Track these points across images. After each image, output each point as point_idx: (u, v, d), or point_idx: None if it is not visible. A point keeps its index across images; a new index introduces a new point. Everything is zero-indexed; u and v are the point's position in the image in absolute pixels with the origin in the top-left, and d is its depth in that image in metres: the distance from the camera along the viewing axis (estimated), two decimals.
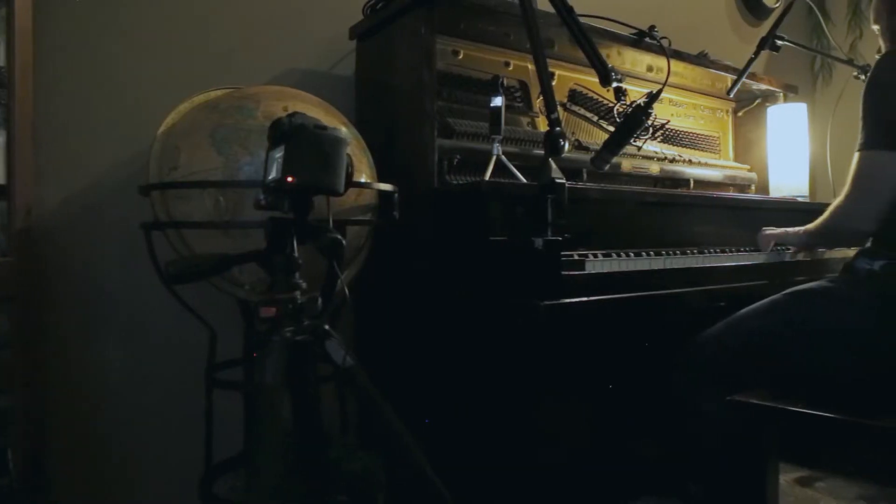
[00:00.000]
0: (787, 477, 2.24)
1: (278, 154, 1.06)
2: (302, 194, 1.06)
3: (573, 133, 2.10)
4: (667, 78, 1.67)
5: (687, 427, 1.59)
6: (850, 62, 2.33)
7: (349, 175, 1.10)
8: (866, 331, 1.40)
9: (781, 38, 2.18)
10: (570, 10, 1.60)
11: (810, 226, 1.63)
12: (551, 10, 1.57)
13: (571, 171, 1.96)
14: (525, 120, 1.97)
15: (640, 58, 2.18)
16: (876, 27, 1.63)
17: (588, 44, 1.61)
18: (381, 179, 1.52)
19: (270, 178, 1.07)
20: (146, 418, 1.64)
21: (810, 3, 2.47)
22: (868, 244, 1.53)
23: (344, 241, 1.01)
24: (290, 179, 1.03)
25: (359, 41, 1.88)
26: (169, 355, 1.65)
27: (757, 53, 2.15)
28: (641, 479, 1.95)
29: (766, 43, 2.15)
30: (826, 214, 1.54)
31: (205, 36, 1.75)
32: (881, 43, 1.63)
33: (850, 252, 1.63)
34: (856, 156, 1.44)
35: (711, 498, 1.61)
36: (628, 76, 2.22)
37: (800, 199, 2.37)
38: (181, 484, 1.54)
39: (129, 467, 1.63)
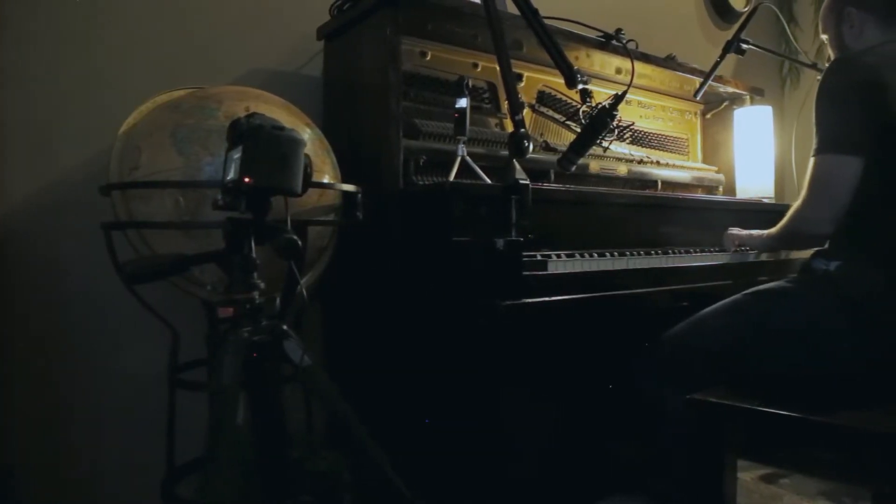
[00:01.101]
0: (751, 474, 2.27)
1: (236, 155, 1.06)
2: (259, 195, 1.06)
3: (542, 134, 2.12)
4: (631, 80, 1.69)
5: (651, 425, 1.61)
6: (814, 66, 2.37)
7: (308, 176, 1.10)
8: (822, 330, 1.42)
9: (746, 42, 2.21)
10: (535, 12, 1.61)
11: (772, 230, 1.66)
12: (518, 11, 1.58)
13: (539, 172, 1.98)
14: (493, 121, 1.98)
15: (608, 60, 2.20)
16: (824, 36, 1.67)
17: (553, 46, 1.62)
18: (348, 180, 1.53)
19: (229, 178, 1.07)
20: (110, 419, 1.63)
21: (774, 8, 2.50)
22: (826, 245, 1.56)
23: (300, 242, 1.01)
24: (247, 180, 1.03)
25: (326, 41, 1.88)
26: (133, 356, 1.64)
27: (722, 57, 2.18)
28: (608, 477, 1.96)
29: (732, 46, 2.18)
30: (785, 219, 1.57)
31: (171, 35, 1.74)
32: (830, 52, 1.67)
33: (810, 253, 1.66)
34: (811, 161, 1.46)
35: (675, 495, 1.63)
36: (597, 78, 2.24)
37: (765, 201, 2.40)
38: (146, 485, 1.53)
39: (92, 468, 1.62)
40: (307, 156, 1.11)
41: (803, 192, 1.48)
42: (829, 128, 1.44)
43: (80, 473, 1.61)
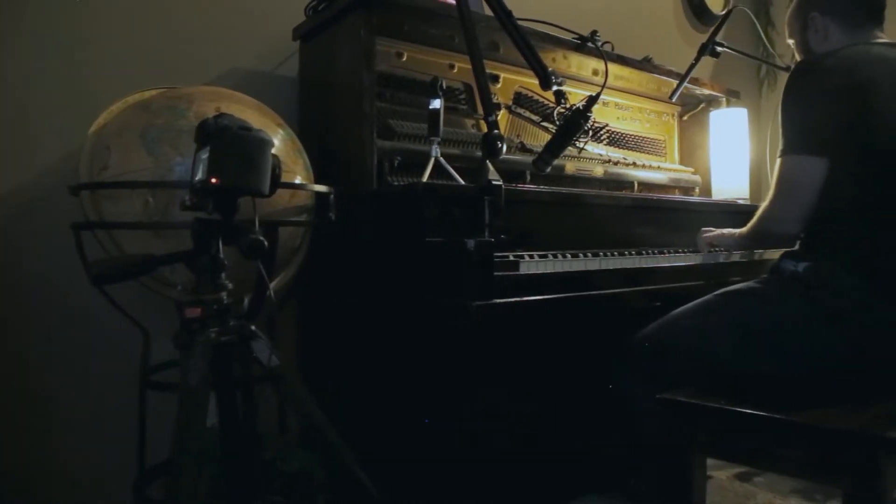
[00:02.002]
0: (726, 472, 2.30)
1: (204, 155, 1.06)
2: (227, 195, 1.06)
3: (518, 135, 2.13)
4: (604, 82, 1.70)
5: (626, 424, 1.62)
6: (787, 69, 2.38)
7: (276, 176, 1.10)
8: (790, 330, 1.44)
9: (721, 45, 2.23)
10: (509, 14, 1.62)
11: (743, 229, 1.67)
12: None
13: (515, 173, 1.99)
14: (469, 122, 1.99)
15: (585, 62, 2.22)
16: (791, 42, 1.69)
17: (527, 48, 1.63)
18: (323, 180, 1.53)
19: (197, 179, 1.07)
20: (82, 420, 1.62)
21: (748, 11, 2.53)
22: (796, 246, 1.58)
23: (265, 243, 1.01)
24: (213, 180, 1.03)
25: (302, 42, 1.88)
26: (105, 357, 1.63)
27: (697, 59, 2.20)
28: (584, 476, 1.98)
29: (707, 49, 2.20)
30: (754, 219, 1.59)
31: (145, 35, 1.74)
32: (797, 56, 1.70)
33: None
34: (778, 161, 1.48)
35: (649, 493, 1.64)
36: (574, 80, 2.25)
37: (740, 202, 2.43)
38: (118, 487, 1.53)
39: (64, 470, 1.61)
40: (276, 156, 1.11)
41: (770, 192, 1.50)
42: (795, 129, 1.46)
43: (51, 475, 1.60)
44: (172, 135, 1.26)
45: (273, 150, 1.36)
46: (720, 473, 2.29)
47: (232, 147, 1.04)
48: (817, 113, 1.43)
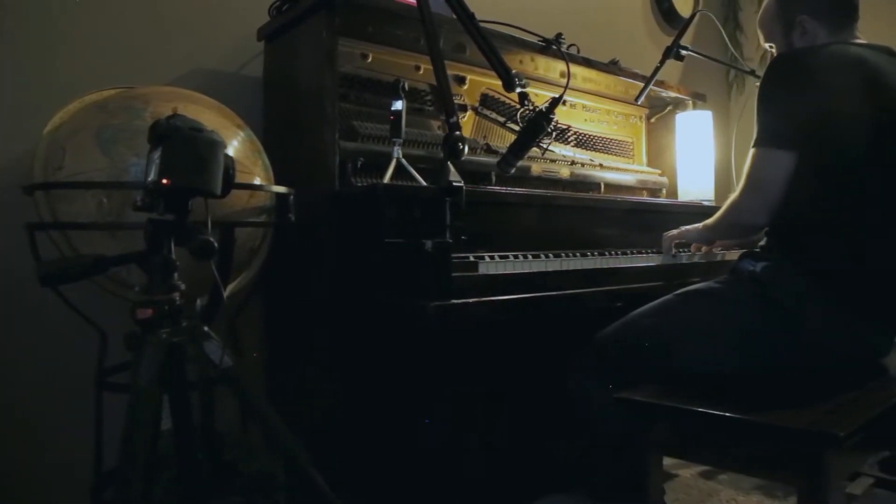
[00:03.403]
0: (691, 471, 2.32)
1: (156, 156, 1.05)
2: (178, 196, 1.06)
3: (485, 137, 2.14)
4: (566, 84, 1.72)
5: (585, 424, 1.64)
6: (752, 73, 2.43)
7: (230, 177, 1.10)
8: (748, 330, 1.46)
9: (685, 48, 2.26)
10: (472, 16, 1.63)
11: (709, 221, 1.69)
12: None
13: (481, 174, 2.00)
14: (435, 123, 2.00)
15: (552, 64, 2.23)
16: (769, 45, 1.69)
17: (490, 50, 1.64)
18: (287, 181, 1.53)
19: (149, 179, 1.07)
20: (39, 423, 1.60)
21: (712, 16, 2.56)
22: (758, 246, 1.60)
23: (215, 244, 1.01)
24: (164, 181, 1.03)
25: (267, 42, 1.88)
26: (63, 359, 1.61)
27: (662, 62, 2.22)
28: (549, 476, 1.99)
29: (671, 52, 2.23)
30: (722, 209, 1.60)
31: (108, 34, 1.72)
32: None
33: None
34: (750, 152, 1.50)
35: (608, 493, 1.66)
36: (542, 82, 2.27)
37: (705, 203, 2.46)
38: (75, 490, 1.51)
39: (20, 473, 1.59)
40: (229, 157, 1.11)
41: (741, 183, 1.51)
42: (767, 122, 1.47)
43: (6, 478, 1.58)
44: (128, 135, 1.25)
45: (231, 152, 1.37)
46: (685, 472, 2.32)
47: (183, 148, 1.04)
48: (789, 108, 1.44)
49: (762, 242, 1.61)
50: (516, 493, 1.91)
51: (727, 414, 1.23)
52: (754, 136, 1.49)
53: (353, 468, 1.57)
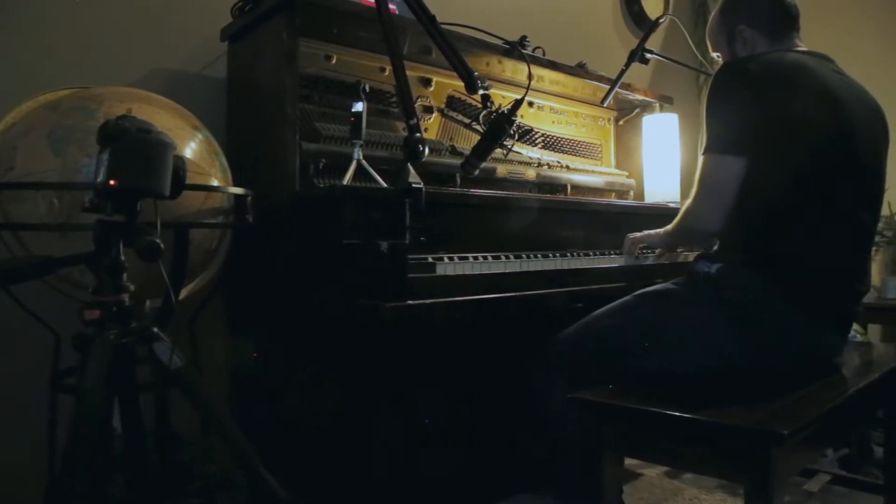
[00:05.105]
0: (656, 470, 2.35)
1: (105, 157, 1.05)
2: (126, 197, 1.06)
3: (451, 139, 2.15)
4: (528, 86, 1.73)
5: (546, 424, 1.65)
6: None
7: (180, 178, 1.10)
8: (703, 330, 1.47)
9: (650, 52, 2.28)
10: (432, 18, 1.63)
11: (668, 227, 1.71)
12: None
13: (446, 175, 2.01)
14: (400, 125, 2.00)
15: (520, 66, 2.24)
16: (716, 54, 1.74)
17: (452, 52, 1.65)
18: (250, 183, 1.52)
19: (98, 180, 1.06)
20: None
21: (676, 20, 2.59)
22: (714, 248, 1.63)
23: (161, 245, 1.01)
24: (112, 182, 1.03)
25: (230, 43, 1.88)
26: (16, 360, 1.59)
27: (627, 65, 2.25)
28: (516, 475, 2.00)
29: (636, 56, 2.25)
30: (678, 216, 1.63)
31: (68, 33, 1.71)
32: None
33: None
34: (700, 159, 1.52)
35: (568, 492, 1.67)
36: (510, 84, 2.28)
37: (671, 205, 2.48)
38: (29, 493, 1.50)
39: None
40: (180, 158, 1.11)
41: (693, 190, 1.54)
42: (715, 129, 1.50)
43: None
44: (80, 136, 1.25)
45: (189, 153, 1.37)
46: (650, 471, 2.34)
47: (131, 149, 1.04)
48: (736, 114, 1.47)
49: (716, 246, 1.63)
50: (483, 492, 1.92)
51: (677, 413, 1.25)
52: (704, 143, 1.51)
53: (312, 469, 1.57)
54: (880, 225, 2.93)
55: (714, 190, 1.50)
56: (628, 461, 2.30)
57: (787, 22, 1.62)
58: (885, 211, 2.95)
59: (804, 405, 1.27)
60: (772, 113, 1.43)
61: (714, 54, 1.75)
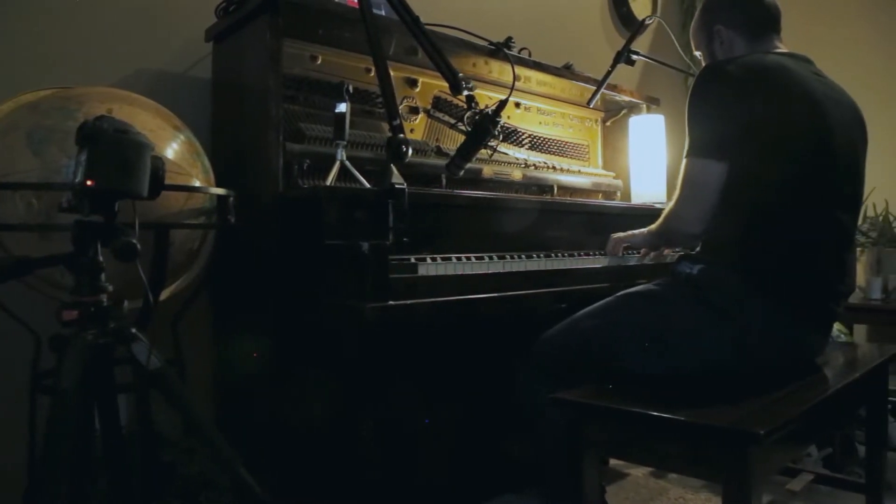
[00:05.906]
0: (642, 470, 2.36)
1: (82, 157, 1.05)
2: (104, 197, 1.06)
3: (437, 139, 2.15)
4: (512, 87, 1.74)
5: (530, 424, 1.65)
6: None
7: (158, 179, 1.10)
8: (685, 331, 1.48)
9: (636, 53, 2.29)
10: (416, 19, 1.64)
11: (652, 227, 1.72)
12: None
13: (432, 176, 2.01)
14: (385, 126, 2.00)
15: (507, 68, 2.24)
16: (698, 53, 1.75)
17: (436, 53, 1.65)
18: (234, 183, 1.52)
19: (76, 181, 1.06)
20: None
21: (662, 21, 2.60)
22: (697, 248, 1.63)
23: (138, 246, 1.01)
24: (89, 183, 1.03)
25: (215, 43, 1.87)
26: None
27: (613, 66, 2.26)
28: (501, 476, 2.01)
29: (621, 57, 2.26)
30: (661, 217, 1.64)
31: (49, 32, 1.70)
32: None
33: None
34: (683, 162, 1.53)
35: (553, 492, 1.67)
36: (496, 85, 2.29)
37: (657, 206, 2.48)
38: (8, 497, 1.49)
39: None
40: (159, 158, 1.11)
41: (676, 193, 1.55)
42: (697, 132, 1.50)
43: None
44: (60, 136, 1.24)
45: (170, 154, 1.37)
46: (636, 471, 2.35)
47: (108, 150, 1.04)
48: (717, 117, 1.47)
49: (698, 247, 1.64)
50: (468, 493, 1.92)
51: (656, 413, 1.25)
52: (686, 146, 1.52)
53: (298, 469, 1.57)
54: (865, 226, 2.95)
55: (696, 192, 1.51)
56: (615, 461, 2.31)
57: (765, 23, 1.63)
58: (869, 212, 2.97)
59: (782, 405, 1.27)
60: (751, 115, 1.44)
61: (696, 53, 1.76)
